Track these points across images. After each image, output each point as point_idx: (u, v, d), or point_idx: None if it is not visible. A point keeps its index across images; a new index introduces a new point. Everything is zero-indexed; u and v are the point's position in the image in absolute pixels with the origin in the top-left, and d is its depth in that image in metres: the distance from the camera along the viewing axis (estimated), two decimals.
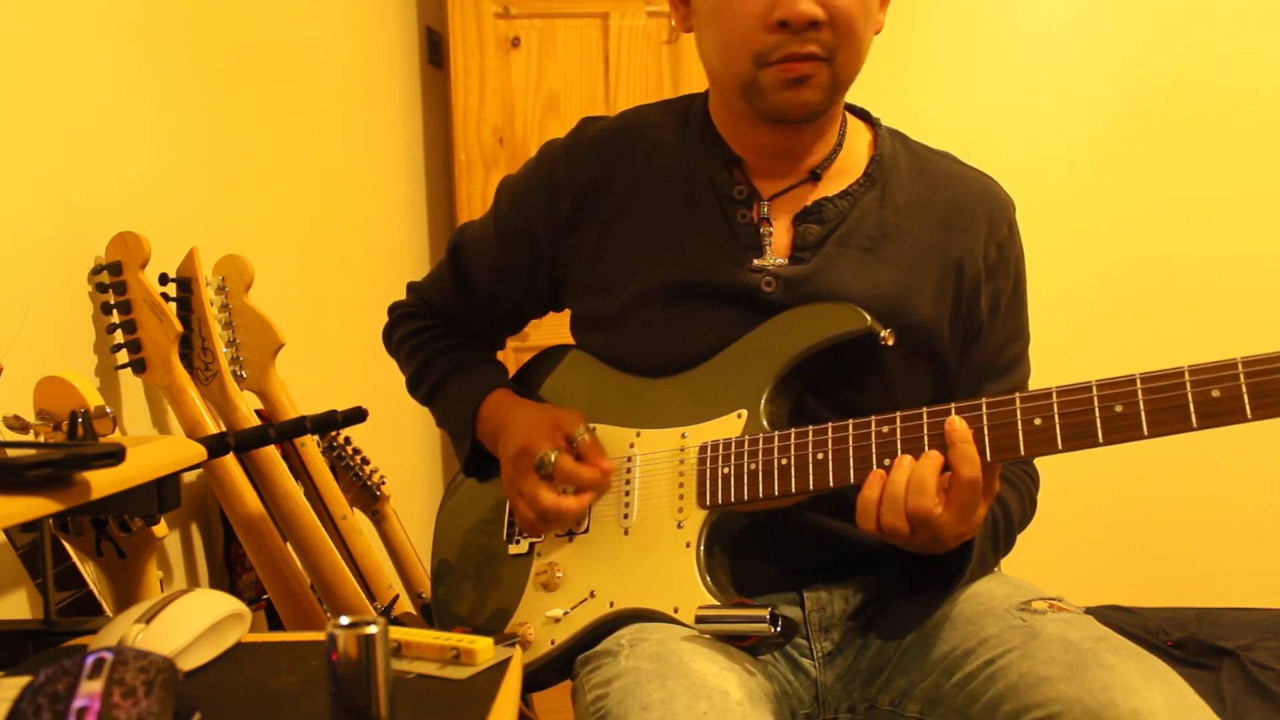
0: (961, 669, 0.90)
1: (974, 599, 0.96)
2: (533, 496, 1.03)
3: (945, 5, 2.76)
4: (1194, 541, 2.75)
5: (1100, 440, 0.82)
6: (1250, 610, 2.41)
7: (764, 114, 1.01)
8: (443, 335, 1.25)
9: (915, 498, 0.86)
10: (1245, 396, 0.77)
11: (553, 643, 1.03)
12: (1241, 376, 0.77)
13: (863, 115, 1.13)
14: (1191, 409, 0.78)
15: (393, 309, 1.31)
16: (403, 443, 2.30)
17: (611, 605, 1.01)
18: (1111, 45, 2.74)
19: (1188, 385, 0.79)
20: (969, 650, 0.90)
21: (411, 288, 1.31)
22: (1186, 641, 2.24)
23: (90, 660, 0.61)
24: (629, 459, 1.06)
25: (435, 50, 2.66)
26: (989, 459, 0.86)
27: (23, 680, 0.63)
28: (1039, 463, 1.13)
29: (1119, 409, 0.81)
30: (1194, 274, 2.71)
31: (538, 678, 1.05)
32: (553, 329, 1.26)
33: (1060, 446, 0.84)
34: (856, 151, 1.09)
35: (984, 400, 0.87)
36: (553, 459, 1.02)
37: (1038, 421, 0.84)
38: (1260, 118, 2.70)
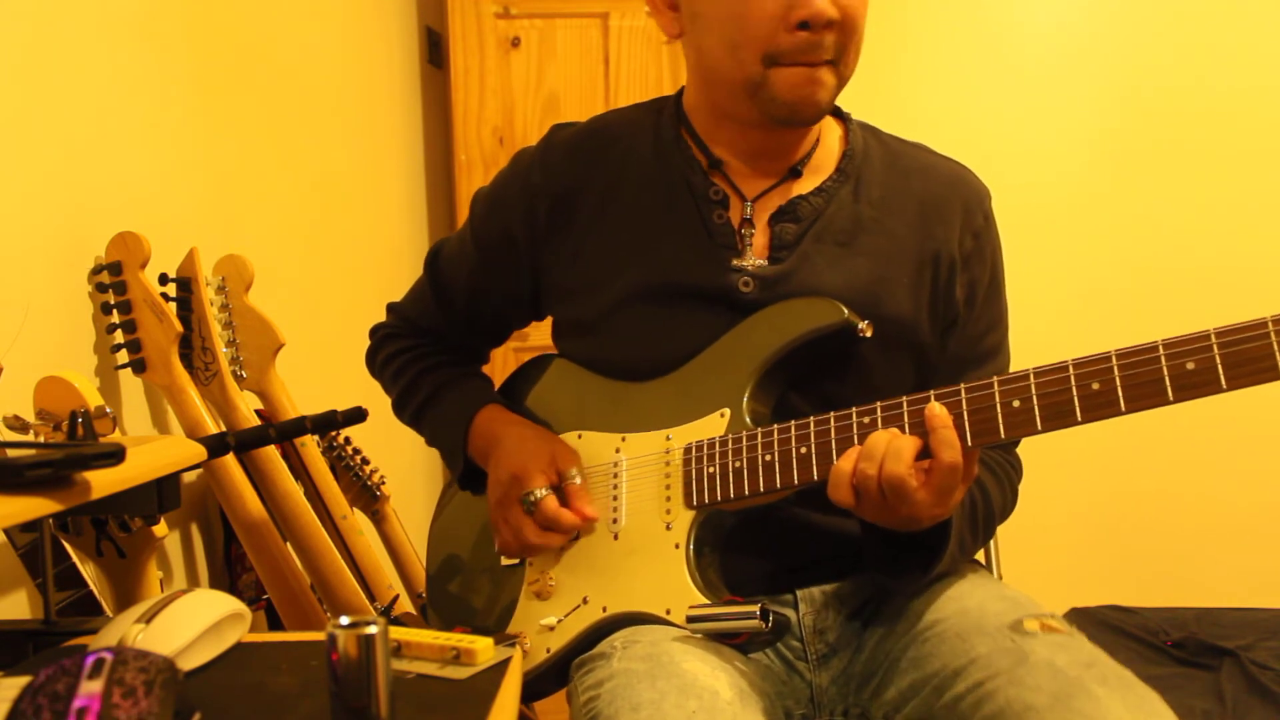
0: (950, 689, 0.89)
1: (966, 614, 0.95)
2: (517, 529, 1.04)
3: (945, 5, 2.76)
4: (1194, 541, 2.75)
5: (1079, 419, 0.82)
6: (1250, 610, 2.41)
7: (772, 115, 1.01)
8: (426, 354, 1.24)
9: (891, 463, 0.86)
10: (1220, 367, 0.77)
11: (548, 651, 1.03)
12: (1215, 347, 0.77)
13: (833, 111, 1.13)
14: (1167, 382, 0.78)
15: (374, 331, 1.30)
16: (403, 443, 2.29)
17: (604, 610, 1.01)
18: (1110, 45, 2.74)
19: (1162, 359, 0.79)
20: (958, 670, 0.89)
21: (391, 308, 1.30)
22: (1186, 641, 2.24)
23: (90, 660, 0.61)
24: (616, 464, 1.06)
25: (435, 50, 2.66)
26: (970, 443, 0.86)
27: (23, 680, 0.63)
28: (1034, 457, 1.13)
29: (1096, 386, 0.81)
30: (1192, 273, 2.71)
31: (535, 686, 1.05)
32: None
33: (1040, 427, 0.84)
34: (829, 147, 1.10)
35: (962, 386, 0.87)
36: (538, 498, 1.03)
37: (1016, 404, 0.85)
38: (1259, 117, 2.70)
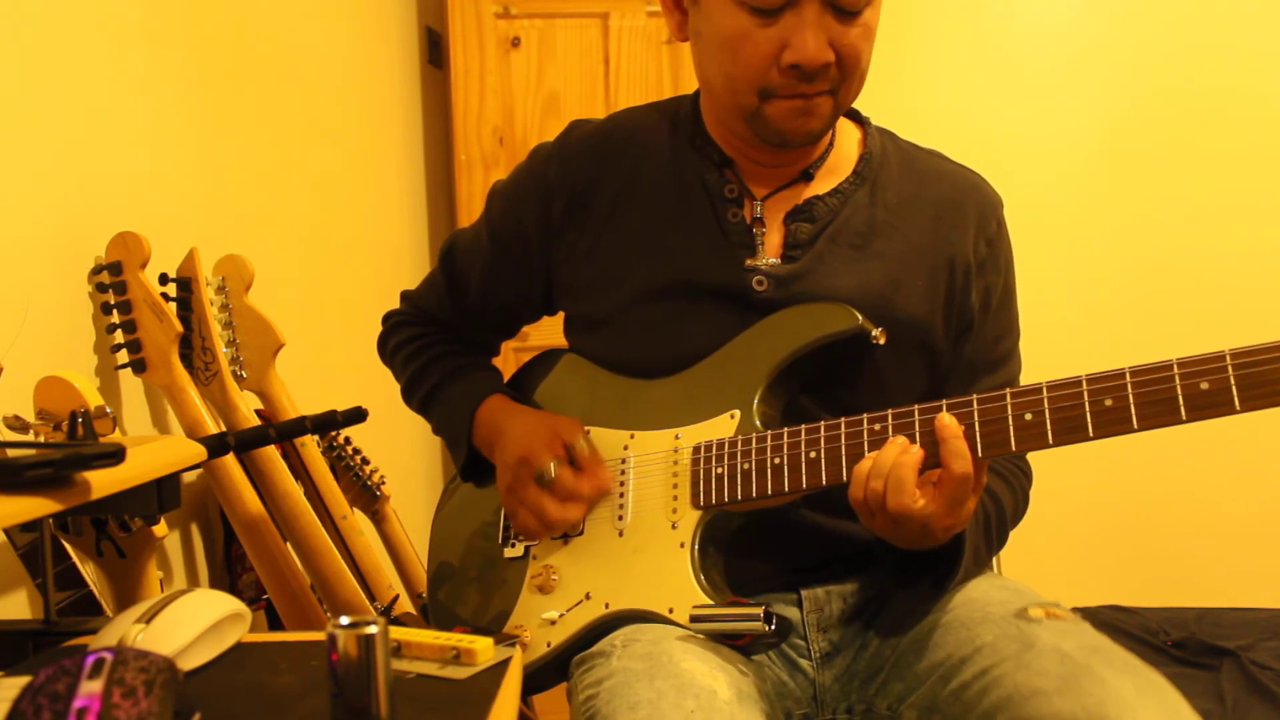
0: (957, 677, 0.89)
1: (971, 604, 0.96)
2: (537, 507, 1.03)
3: (945, 5, 2.76)
4: (1194, 541, 2.75)
5: (1091, 434, 0.82)
6: (1250, 610, 2.41)
7: (765, 139, 1.02)
8: (436, 342, 1.25)
9: (894, 496, 0.87)
10: (1234, 388, 0.77)
11: (549, 645, 1.03)
12: (1230, 368, 0.77)
13: (851, 114, 1.14)
14: (1181, 401, 0.79)
15: (387, 318, 1.31)
16: (403, 443, 2.30)
17: (607, 607, 1.01)
18: (1110, 45, 2.74)
19: (1176, 378, 0.79)
20: (965, 658, 0.90)
21: (405, 296, 1.31)
22: (1186, 641, 2.24)
23: (90, 660, 0.61)
24: (623, 461, 1.06)
25: (435, 50, 2.66)
26: (980, 455, 0.86)
27: (23, 680, 0.63)
28: (1035, 457, 1.13)
29: (1109, 403, 0.81)
30: (1193, 273, 2.71)
31: (535, 680, 1.05)
32: (552, 329, 1.26)
33: (1051, 441, 0.84)
34: (846, 150, 1.10)
35: (975, 396, 0.88)
36: (553, 472, 1.03)
37: (1028, 417, 0.85)
38: (1258, 117, 2.70)
